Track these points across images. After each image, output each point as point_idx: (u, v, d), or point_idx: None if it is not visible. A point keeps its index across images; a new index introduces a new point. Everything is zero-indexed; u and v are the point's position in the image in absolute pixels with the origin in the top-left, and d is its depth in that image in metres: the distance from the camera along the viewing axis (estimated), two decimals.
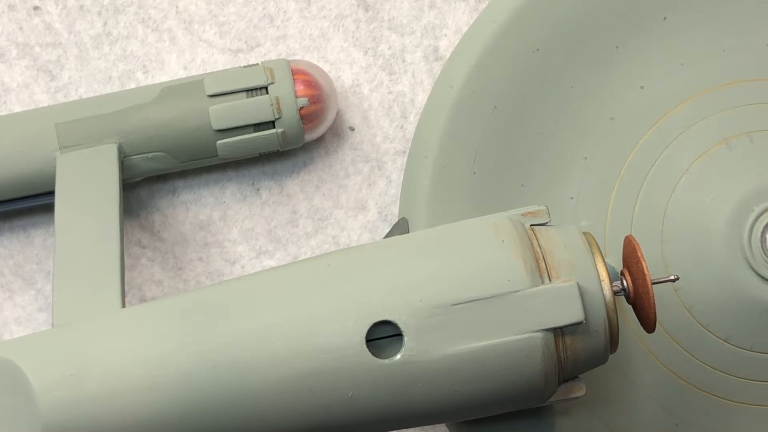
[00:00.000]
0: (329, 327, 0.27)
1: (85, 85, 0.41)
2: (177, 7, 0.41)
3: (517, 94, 0.37)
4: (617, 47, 0.37)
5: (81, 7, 0.41)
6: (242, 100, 0.37)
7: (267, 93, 0.37)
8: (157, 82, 0.40)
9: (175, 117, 0.37)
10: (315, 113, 0.38)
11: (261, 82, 0.37)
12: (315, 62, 0.40)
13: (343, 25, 0.41)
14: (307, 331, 0.27)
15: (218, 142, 0.37)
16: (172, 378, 0.27)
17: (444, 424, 0.37)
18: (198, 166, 0.38)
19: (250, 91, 0.37)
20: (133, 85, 0.40)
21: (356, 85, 0.41)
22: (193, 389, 0.27)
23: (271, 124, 0.37)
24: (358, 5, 0.41)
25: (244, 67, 0.38)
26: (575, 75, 0.37)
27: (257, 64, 0.38)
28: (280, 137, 0.37)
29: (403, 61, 0.41)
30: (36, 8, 0.41)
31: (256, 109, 0.37)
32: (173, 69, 0.41)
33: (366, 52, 0.41)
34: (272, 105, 0.37)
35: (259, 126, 0.37)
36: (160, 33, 0.41)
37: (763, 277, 0.34)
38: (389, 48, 0.41)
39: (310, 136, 0.39)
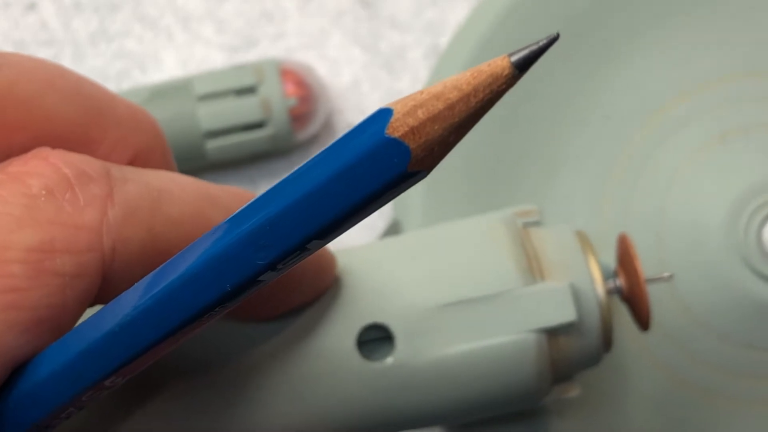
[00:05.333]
0: (319, 330, 0.26)
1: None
2: (174, 4, 0.41)
3: (510, 92, 0.37)
4: (610, 44, 0.37)
5: (77, 4, 0.41)
6: (231, 101, 0.37)
7: (256, 93, 0.37)
8: (154, 80, 0.40)
9: (165, 119, 0.37)
10: (305, 113, 0.38)
11: (250, 83, 0.37)
12: (314, 60, 0.40)
13: (342, 23, 0.41)
14: (297, 336, 0.26)
15: (208, 144, 0.37)
16: None
17: (437, 427, 0.36)
18: (190, 168, 0.38)
19: (239, 91, 0.37)
20: (129, 84, 0.40)
21: (356, 84, 0.40)
22: None
23: (260, 124, 0.37)
24: (358, 3, 0.41)
25: (233, 67, 0.38)
26: (568, 72, 0.37)
27: (246, 65, 0.38)
28: (270, 138, 0.37)
29: (404, 59, 0.40)
30: (31, 6, 0.41)
31: (245, 109, 0.37)
32: (170, 67, 0.40)
33: (366, 50, 0.40)
34: (261, 105, 0.37)
35: (248, 127, 0.37)
36: (157, 31, 0.41)
37: (759, 274, 0.34)
38: (389, 46, 0.40)
39: (300, 137, 0.38)
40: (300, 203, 0.16)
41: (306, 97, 0.38)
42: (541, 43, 0.15)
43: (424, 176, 0.16)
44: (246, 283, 0.17)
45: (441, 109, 0.16)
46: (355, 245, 0.28)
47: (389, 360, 0.26)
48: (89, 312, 0.19)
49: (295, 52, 0.40)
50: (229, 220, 0.17)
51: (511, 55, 0.15)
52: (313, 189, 0.16)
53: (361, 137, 0.16)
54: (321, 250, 0.25)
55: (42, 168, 0.18)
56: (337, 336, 0.26)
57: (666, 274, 0.29)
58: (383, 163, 0.16)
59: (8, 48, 0.41)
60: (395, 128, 0.16)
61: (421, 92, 0.16)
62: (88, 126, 0.21)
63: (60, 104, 0.20)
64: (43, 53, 0.40)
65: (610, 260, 0.30)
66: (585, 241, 0.28)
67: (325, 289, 0.26)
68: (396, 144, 0.16)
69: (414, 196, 0.36)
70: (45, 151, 0.19)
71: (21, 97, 0.20)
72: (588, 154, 0.37)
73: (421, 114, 0.16)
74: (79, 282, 0.18)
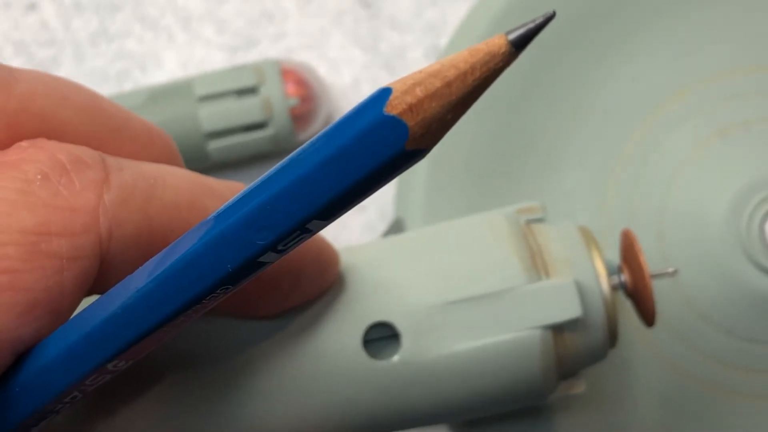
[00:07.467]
0: (325, 329, 0.26)
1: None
2: (175, 4, 0.41)
3: (510, 89, 0.37)
4: (610, 41, 0.37)
5: (77, 4, 0.41)
6: (232, 102, 0.37)
7: (257, 94, 0.37)
8: (154, 80, 0.40)
9: (166, 120, 0.37)
10: (306, 113, 0.38)
11: (250, 83, 0.37)
12: (314, 60, 0.40)
13: (342, 23, 0.41)
14: (302, 334, 0.26)
15: (210, 145, 0.37)
16: None
17: (443, 425, 0.36)
18: (192, 169, 0.38)
19: (240, 92, 0.37)
20: (130, 84, 0.40)
21: (356, 84, 0.40)
22: None
23: (261, 125, 0.37)
24: (358, 3, 0.41)
25: (234, 68, 0.38)
26: (568, 68, 0.37)
27: (247, 65, 0.38)
28: (271, 138, 0.37)
29: (404, 59, 0.40)
30: (32, 6, 0.41)
31: (246, 110, 0.37)
32: (171, 67, 0.40)
33: (366, 50, 0.40)
34: (262, 106, 0.37)
35: (249, 127, 0.37)
36: (157, 31, 0.41)
37: (762, 268, 0.34)
38: (389, 46, 0.40)
39: (302, 136, 0.38)
40: (299, 183, 0.16)
41: (307, 97, 0.38)
42: (537, 21, 0.15)
43: (423, 155, 0.16)
44: (247, 264, 0.17)
45: (438, 86, 0.16)
46: (357, 245, 0.28)
47: (395, 358, 0.26)
48: (88, 303, 0.19)
49: (296, 52, 0.40)
50: (229, 203, 0.17)
51: (508, 33, 0.15)
52: (312, 168, 0.16)
53: (360, 115, 0.16)
54: (324, 246, 0.25)
55: (37, 155, 0.19)
56: (342, 335, 0.26)
57: (670, 269, 0.29)
58: (382, 141, 0.16)
59: (8, 48, 0.41)
60: (394, 106, 0.16)
61: (420, 71, 0.16)
62: (102, 140, 0.21)
63: (74, 119, 0.20)
64: (44, 53, 0.40)
65: (614, 256, 0.30)
66: (589, 237, 0.28)
67: (328, 286, 0.26)
68: (394, 121, 0.16)
69: (416, 194, 0.36)
70: (41, 141, 0.19)
71: (36, 112, 0.20)
72: (589, 151, 0.37)
73: (419, 92, 0.16)
74: (76, 264, 0.18)
